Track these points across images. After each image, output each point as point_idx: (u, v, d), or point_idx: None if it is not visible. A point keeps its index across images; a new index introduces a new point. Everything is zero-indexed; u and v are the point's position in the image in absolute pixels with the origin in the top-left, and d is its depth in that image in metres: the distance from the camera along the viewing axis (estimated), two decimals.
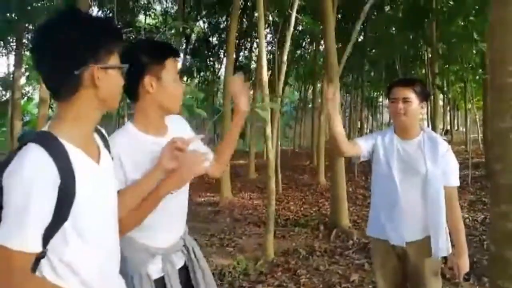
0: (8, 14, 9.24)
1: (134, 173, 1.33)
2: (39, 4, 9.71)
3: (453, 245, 2.07)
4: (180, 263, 1.54)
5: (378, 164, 2.13)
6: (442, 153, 2.00)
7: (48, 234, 0.93)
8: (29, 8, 8.97)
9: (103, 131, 1.19)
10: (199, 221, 6.43)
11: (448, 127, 26.51)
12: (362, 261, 4.25)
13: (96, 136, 1.13)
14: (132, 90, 1.34)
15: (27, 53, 12.44)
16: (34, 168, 0.89)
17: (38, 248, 0.92)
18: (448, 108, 27.19)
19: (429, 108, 11.45)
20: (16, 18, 9.20)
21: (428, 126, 14.78)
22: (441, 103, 25.39)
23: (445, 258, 2.80)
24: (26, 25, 9.98)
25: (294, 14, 5.22)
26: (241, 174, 11.52)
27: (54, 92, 1.01)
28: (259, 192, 8.55)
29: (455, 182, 2.03)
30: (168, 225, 1.49)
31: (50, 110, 13.33)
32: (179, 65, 1.52)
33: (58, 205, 0.92)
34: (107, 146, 1.16)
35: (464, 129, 20.52)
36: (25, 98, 13.25)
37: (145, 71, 1.32)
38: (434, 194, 1.98)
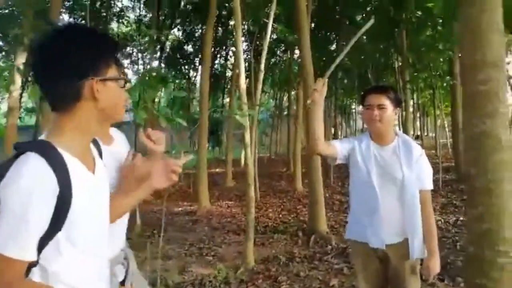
0: None
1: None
2: (6, 11, 9.43)
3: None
4: (121, 276, 1.52)
5: (356, 169, 2.16)
6: (416, 157, 2.06)
7: (42, 243, 0.94)
8: None
9: (99, 140, 1.21)
10: (176, 231, 6.34)
11: (419, 133, 27.35)
12: (341, 265, 4.31)
13: (92, 147, 1.15)
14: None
15: None
16: (33, 178, 0.89)
17: (34, 257, 0.93)
18: (418, 114, 28.11)
19: (401, 114, 11.76)
20: None
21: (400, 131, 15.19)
22: (411, 109, 26.23)
23: (421, 259, 2.89)
24: None
25: (270, 23, 5.28)
26: (219, 182, 11.46)
27: (53, 104, 1.02)
28: (237, 200, 8.53)
29: (429, 185, 2.09)
30: (111, 238, 1.44)
31: (18, 120, 12.88)
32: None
33: (55, 215, 0.93)
34: (101, 155, 1.19)
35: (433, 134, 21.21)
36: None
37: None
38: (410, 198, 2.03)
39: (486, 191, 1.73)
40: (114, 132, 1.61)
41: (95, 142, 1.18)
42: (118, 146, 1.52)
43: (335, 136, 18.26)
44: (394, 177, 2.04)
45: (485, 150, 1.71)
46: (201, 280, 4.11)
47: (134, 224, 6.33)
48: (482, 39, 1.71)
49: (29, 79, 12.23)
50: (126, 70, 16.46)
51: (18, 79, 6.97)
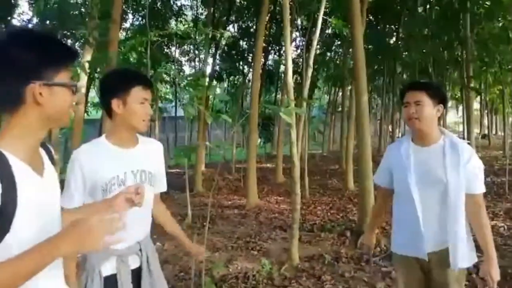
0: (47, 22, 9.70)
1: (92, 176, 1.61)
2: (76, 12, 10.15)
3: (482, 254, 1.99)
4: (135, 264, 1.73)
5: (395, 177, 2.09)
6: (465, 159, 1.90)
7: None
8: (68, 15, 9.41)
9: (50, 146, 1.21)
10: (225, 224, 6.49)
11: (486, 132, 25.46)
12: (389, 268, 4.15)
13: (42, 150, 1.14)
14: (106, 110, 1.67)
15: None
16: None
17: None
18: (485, 112, 26.15)
19: (464, 112, 11.03)
20: (54, 25, 9.65)
21: (463, 130, 14.27)
22: (478, 106, 24.48)
23: (476, 268, 2.71)
24: (64, 32, 10.46)
25: (320, 18, 5.18)
26: (269, 177, 11.52)
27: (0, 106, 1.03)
28: (286, 196, 8.52)
29: (480, 189, 1.94)
30: (125, 231, 1.57)
31: (86, 113, 13.86)
32: (145, 93, 1.66)
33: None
34: (52, 160, 1.18)
35: (502, 134, 19.62)
36: None
37: (113, 96, 1.62)
38: (454, 203, 1.90)
39: None
40: (147, 141, 1.82)
41: (45, 147, 1.18)
42: (139, 151, 1.74)
43: (392, 134, 17.61)
44: (436, 181, 1.92)
45: None
46: (245, 273, 4.18)
47: (186, 215, 6.58)
48: None
49: (96, 75, 13.13)
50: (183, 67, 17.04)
51: (83, 76, 7.50)
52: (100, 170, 1.61)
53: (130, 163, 1.68)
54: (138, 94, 1.62)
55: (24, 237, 0.97)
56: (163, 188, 1.91)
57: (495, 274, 1.90)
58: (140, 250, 1.73)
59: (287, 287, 3.87)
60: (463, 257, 1.93)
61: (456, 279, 1.95)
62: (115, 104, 1.61)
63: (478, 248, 2.05)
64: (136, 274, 1.72)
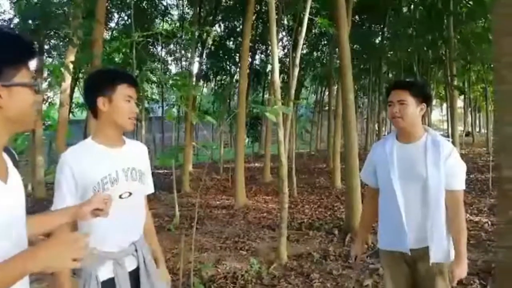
0: (30, 22, 9.53)
1: (82, 178, 1.58)
2: (59, 11, 9.99)
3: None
4: (132, 266, 1.71)
5: (379, 174, 2.13)
6: (445, 155, 1.93)
7: None
8: (51, 15, 9.25)
9: (12, 150, 1.17)
10: (213, 224, 6.48)
11: (470, 129, 25.95)
12: (377, 265, 4.19)
13: (5, 155, 1.09)
14: (92, 109, 1.65)
15: (49, 59, 12.79)
16: None
17: None
18: (469, 110, 26.65)
19: (448, 110, 11.21)
20: (37, 25, 9.48)
21: (447, 128, 14.51)
22: (461, 104, 24.93)
23: None
24: (47, 31, 10.28)
25: (306, 17, 5.21)
26: (257, 177, 11.54)
27: None
28: (274, 195, 8.54)
29: (460, 185, 1.97)
30: (119, 232, 1.65)
31: (71, 114, 13.68)
32: (131, 91, 1.66)
33: None
34: (15, 164, 1.14)
35: (485, 131, 20.02)
36: (47, 103, 13.58)
37: (99, 94, 1.60)
38: (434, 199, 1.93)
39: None
40: (133, 142, 1.81)
41: (8, 151, 1.13)
42: (126, 150, 1.73)
43: (379, 132, 17.81)
44: (417, 177, 1.95)
45: None
46: (234, 273, 4.18)
47: (173, 216, 6.55)
48: None
49: (80, 75, 12.94)
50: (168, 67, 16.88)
51: (68, 76, 7.39)
52: (90, 171, 1.59)
53: (120, 161, 1.67)
54: (123, 92, 1.62)
55: None
56: (150, 190, 1.89)
57: (459, 273, 1.93)
58: (136, 251, 1.71)
59: (276, 286, 3.88)
60: (444, 252, 1.96)
61: (440, 273, 1.97)
62: (101, 102, 1.60)
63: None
64: (134, 276, 1.70)
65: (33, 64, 1.06)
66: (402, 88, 2.00)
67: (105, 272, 1.63)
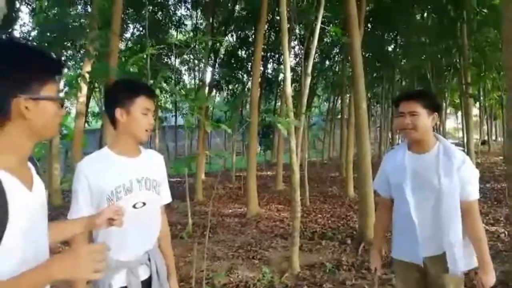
0: (48, 34, 9.79)
1: (97, 186, 1.61)
2: (76, 24, 10.25)
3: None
4: (145, 275, 1.74)
5: (393, 185, 2.12)
6: (457, 165, 1.91)
7: None
8: (68, 27, 9.50)
9: (34, 159, 1.21)
10: (226, 233, 6.49)
11: (485, 137, 25.48)
12: (390, 276, 4.14)
13: (29, 164, 1.14)
14: (110, 119, 1.68)
15: (66, 69, 13.08)
16: None
17: None
18: (485, 118, 26.20)
19: (463, 118, 11.05)
20: (55, 37, 9.73)
21: (463, 136, 14.28)
22: (477, 112, 24.54)
23: (476, 273, 2.72)
24: (65, 43, 10.54)
25: (318, 26, 5.23)
26: (269, 185, 11.52)
27: None
28: (287, 204, 8.52)
29: (474, 195, 1.94)
30: (133, 241, 1.69)
31: (86, 124, 13.94)
32: (149, 103, 1.69)
33: None
34: (38, 173, 1.18)
35: (502, 139, 19.63)
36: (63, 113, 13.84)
37: (117, 105, 1.64)
38: (448, 209, 1.91)
39: None
40: (149, 152, 1.85)
41: (31, 160, 1.17)
42: (142, 160, 1.76)
43: (392, 141, 17.64)
44: (430, 187, 1.94)
45: None
46: (246, 282, 4.17)
47: (186, 224, 6.58)
48: None
49: (96, 85, 13.20)
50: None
51: (84, 86, 7.56)
52: (106, 180, 1.62)
53: (134, 171, 1.69)
54: (141, 104, 1.64)
55: (13, 251, 0.98)
56: (168, 199, 1.91)
57: (487, 281, 1.90)
58: (149, 260, 1.74)
59: None
60: (460, 262, 1.93)
61: (453, 283, 1.96)
62: (119, 113, 1.63)
63: None
64: (147, 285, 1.72)
65: (59, 79, 1.11)
66: (412, 99, 1.97)
67: (118, 281, 1.66)
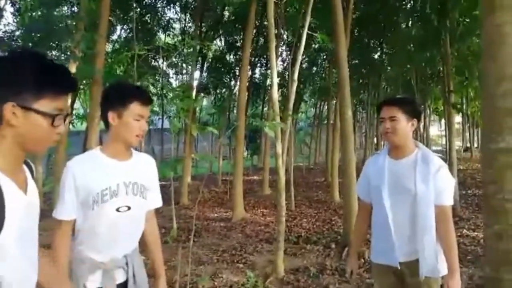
0: (33, 34, 9.65)
1: (84, 187, 1.61)
2: (62, 25, 10.13)
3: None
4: (121, 279, 1.74)
5: (372, 189, 2.17)
6: (434, 171, 1.97)
7: None
8: (54, 28, 9.39)
9: (30, 162, 1.22)
10: (211, 237, 6.47)
11: (468, 144, 25.99)
12: (372, 280, 4.19)
13: (24, 167, 1.16)
14: (104, 120, 1.69)
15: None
16: None
17: None
18: (467, 125, 26.73)
19: (446, 125, 11.25)
20: (40, 37, 9.61)
21: (445, 143, 14.55)
22: (460, 120, 25.02)
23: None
24: (50, 43, 10.41)
25: (305, 33, 5.30)
26: (256, 189, 11.53)
27: None
28: (273, 209, 8.54)
29: (448, 201, 2.00)
30: (113, 244, 1.70)
31: (70, 125, 13.70)
32: (143, 110, 1.68)
33: None
34: (32, 175, 1.20)
35: None
36: None
37: (111, 108, 1.65)
38: (423, 214, 1.96)
39: (503, 211, 1.64)
40: (141, 156, 1.85)
41: (27, 164, 1.19)
42: (132, 163, 1.76)
43: (377, 146, 17.86)
44: (406, 192, 1.99)
45: (502, 168, 1.63)
46: (230, 286, 4.17)
47: (171, 228, 6.53)
48: (504, 51, 1.65)
49: (80, 87, 13.03)
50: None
51: None
52: (93, 181, 1.62)
53: (123, 175, 1.69)
54: (134, 110, 1.64)
55: (9, 252, 0.99)
56: (158, 203, 1.90)
57: (453, 285, 1.94)
58: (127, 264, 1.73)
59: None
60: (433, 266, 1.97)
61: (428, 286, 1.99)
62: (111, 116, 1.64)
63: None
64: None
65: (66, 98, 1.08)
66: (392, 104, 2.05)
67: (93, 282, 1.65)
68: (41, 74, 1.02)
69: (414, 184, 1.98)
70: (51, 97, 1.03)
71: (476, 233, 6.00)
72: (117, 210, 1.65)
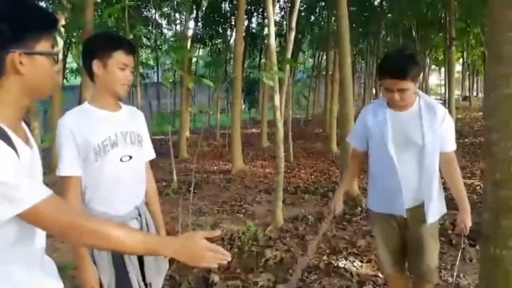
0: None
1: (83, 140, 1.59)
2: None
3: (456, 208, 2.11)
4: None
5: (372, 141, 2.14)
6: (440, 119, 1.97)
7: None
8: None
9: (26, 119, 1.18)
10: (211, 189, 6.58)
11: (467, 93, 25.85)
12: (369, 227, 4.32)
13: (23, 124, 1.13)
14: (88, 72, 1.65)
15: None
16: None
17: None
18: (467, 74, 26.43)
19: (446, 74, 11.14)
20: None
21: (445, 92, 14.46)
22: (460, 68, 24.70)
23: (453, 225, 2.86)
24: None
25: None
26: (254, 142, 11.59)
27: None
28: (271, 160, 8.62)
29: (453, 147, 2.05)
30: (123, 195, 1.70)
31: (64, 80, 13.44)
32: (127, 58, 1.65)
33: None
34: (30, 131, 1.17)
35: (483, 95, 19.99)
36: None
37: (95, 57, 1.60)
38: (429, 162, 1.99)
39: (506, 159, 1.64)
40: (130, 108, 1.82)
41: (24, 120, 1.15)
42: (123, 114, 1.75)
43: (376, 97, 17.75)
44: (413, 142, 1.98)
45: (507, 115, 1.61)
46: (231, 235, 4.29)
47: (171, 181, 6.63)
48: None
49: (73, 40, 12.65)
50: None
51: (60, 41, 7.23)
52: (91, 133, 1.60)
53: (118, 125, 1.68)
54: (119, 59, 1.61)
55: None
56: (151, 155, 1.91)
57: (468, 221, 2.05)
58: (140, 215, 1.76)
59: (271, 246, 3.99)
60: (438, 211, 2.07)
61: (430, 232, 2.07)
62: (96, 65, 1.60)
63: (449, 205, 2.21)
64: None
65: (53, 34, 1.08)
66: (402, 78, 1.87)
67: None
68: (34, 16, 1.00)
69: (422, 135, 1.96)
70: (47, 37, 1.03)
71: (472, 180, 6.10)
72: (121, 160, 1.66)
